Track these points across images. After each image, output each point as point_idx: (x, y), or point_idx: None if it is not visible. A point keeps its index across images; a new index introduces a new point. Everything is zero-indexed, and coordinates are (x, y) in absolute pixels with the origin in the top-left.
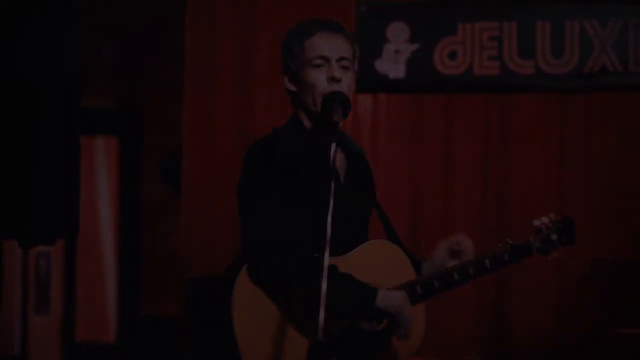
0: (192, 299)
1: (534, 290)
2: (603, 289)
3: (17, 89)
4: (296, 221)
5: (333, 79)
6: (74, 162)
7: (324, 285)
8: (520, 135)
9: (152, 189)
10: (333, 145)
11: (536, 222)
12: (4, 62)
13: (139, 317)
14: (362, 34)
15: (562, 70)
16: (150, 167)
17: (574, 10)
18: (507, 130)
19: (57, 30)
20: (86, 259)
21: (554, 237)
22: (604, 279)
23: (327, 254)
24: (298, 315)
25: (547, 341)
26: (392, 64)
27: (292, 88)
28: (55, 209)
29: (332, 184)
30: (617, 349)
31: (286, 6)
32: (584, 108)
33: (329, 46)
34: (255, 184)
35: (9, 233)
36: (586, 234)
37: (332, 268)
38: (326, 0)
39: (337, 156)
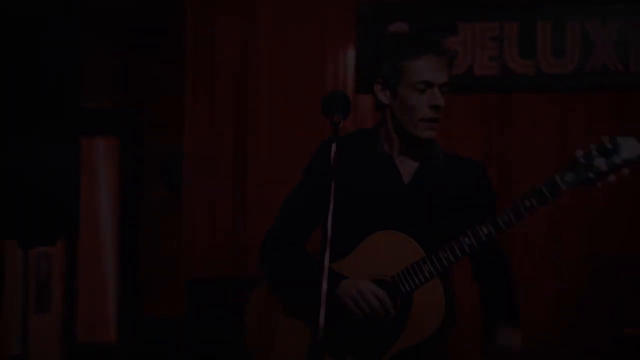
0: (193, 299)
1: (533, 290)
2: (604, 288)
3: (17, 89)
4: (317, 220)
5: (435, 107)
6: (74, 163)
7: (324, 285)
8: (521, 135)
9: (153, 189)
10: (333, 146)
11: (578, 152)
12: (5, 63)
13: (141, 318)
14: (362, 33)
15: (563, 70)
16: (151, 167)
17: (575, 10)
18: (508, 130)
19: (57, 31)
20: (87, 259)
21: (599, 161)
22: (605, 278)
23: (327, 254)
24: (301, 314)
25: (547, 341)
26: None
27: (385, 100)
28: (55, 210)
29: (333, 185)
30: (618, 349)
31: (286, 5)
32: (585, 108)
33: (434, 72)
34: (301, 179)
35: (9, 233)
36: (587, 233)
37: (308, 259)
38: (326, 1)
39: (406, 162)
